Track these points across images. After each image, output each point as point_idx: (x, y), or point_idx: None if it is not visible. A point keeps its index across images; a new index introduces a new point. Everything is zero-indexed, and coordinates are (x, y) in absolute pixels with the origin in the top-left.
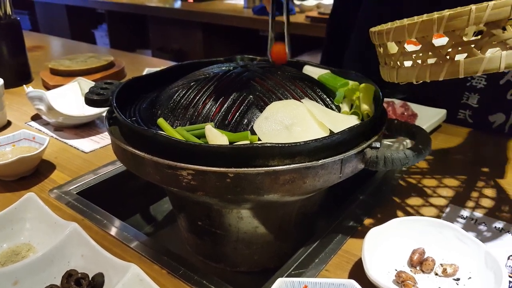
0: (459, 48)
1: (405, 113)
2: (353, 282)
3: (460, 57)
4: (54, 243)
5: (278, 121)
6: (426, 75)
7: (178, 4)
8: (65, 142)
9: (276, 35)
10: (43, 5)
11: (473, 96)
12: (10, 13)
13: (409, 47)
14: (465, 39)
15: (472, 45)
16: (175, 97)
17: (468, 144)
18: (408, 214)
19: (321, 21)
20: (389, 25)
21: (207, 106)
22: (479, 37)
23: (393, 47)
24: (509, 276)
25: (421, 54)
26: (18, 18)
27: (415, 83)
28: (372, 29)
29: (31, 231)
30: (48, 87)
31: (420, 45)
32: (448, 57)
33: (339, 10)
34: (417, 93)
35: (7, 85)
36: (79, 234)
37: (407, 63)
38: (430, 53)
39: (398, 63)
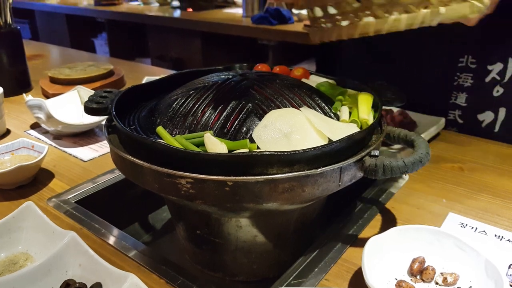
0: (368, 12)
1: (404, 121)
2: None
3: (370, 19)
4: (52, 252)
5: (277, 129)
6: (342, 33)
7: (177, 13)
8: (64, 151)
9: (275, 44)
10: (43, 14)
11: (461, 95)
12: (10, 22)
13: (331, 10)
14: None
15: (380, 9)
16: (174, 105)
17: (467, 151)
18: (407, 222)
19: None
20: None
21: (206, 114)
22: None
23: (318, 11)
24: (510, 285)
25: (339, 17)
26: (18, 27)
27: (334, 40)
28: None
29: (29, 240)
30: (47, 96)
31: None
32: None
33: None
34: (409, 99)
35: (6, 94)
36: (77, 243)
37: (329, 25)
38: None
39: (323, 25)
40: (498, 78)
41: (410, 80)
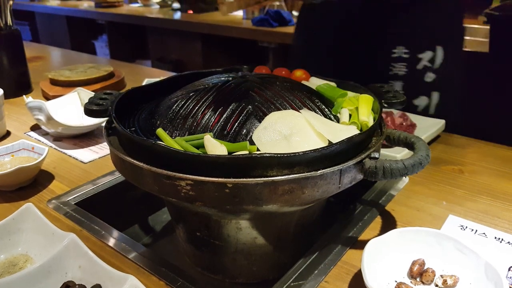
0: None
1: (404, 124)
2: None
3: None
4: (52, 254)
5: (277, 131)
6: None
7: (177, 15)
8: (64, 152)
9: (276, 46)
10: (43, 16)
11: (397, 83)
12: (11, 23)
13: None
14: None
15: None
16: (174, 107)
17: (467, 154)
18: (407, 224)
19: None
20: None
21: (206, 116)
22: None
23: None
24: None
25: None
26: (19, 29)
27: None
28: None
29: (29, 242)
30: (47, 98)
31: None
32: None
33: None
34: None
35: (7, 95)
36: (77, 245)
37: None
38: None
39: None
40: (429, 65)
41: (352, 73)
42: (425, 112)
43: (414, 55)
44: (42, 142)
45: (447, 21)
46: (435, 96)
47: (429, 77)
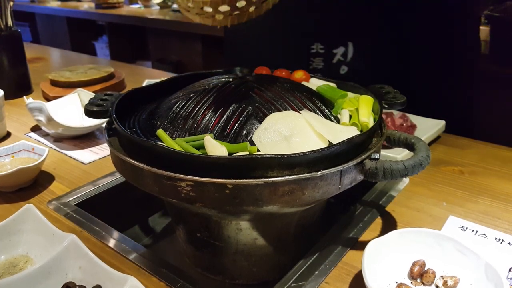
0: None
1: (404, 124)
2: None
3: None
4: (52, 255)
5: (277, 132)
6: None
7: (177, 16)
8: (64, 153)
9: None
10: (44, 17)
11: (317, 76)
12: (11, 24)
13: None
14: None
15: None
16: (174, 108)
17: (467, 154)
18: (408, 225)
19: None
20: None
21: (206, 117)
22: None
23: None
24: None
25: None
26: (19, 30)
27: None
28: None
29: (29, 242)
30: (48, 98)
31: None
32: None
33: None
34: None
35: (7, 96)
36: (77, 246)
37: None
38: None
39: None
40: (342, 59)
41: (282, 66)
42: None
43: (329, 51)
44: (43, 143)
45: (357, 19)
46: None
47: (343, 69)
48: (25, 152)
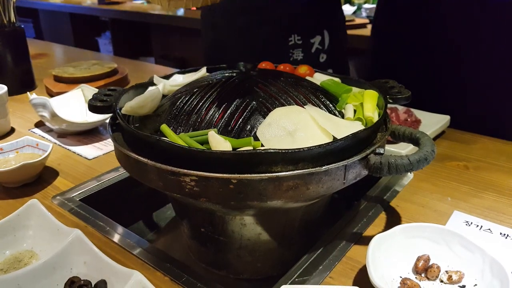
0: None
1: (409, 119)
2: None
3: None
4: (57, 250)
5: (281, 127)
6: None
7: (181, 12)
8: (68, 149)
9: None
10: (47, 13)
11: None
12: (15, 21)
13: None
14: None
15: None
16: (178, 103)
17: (472, 150)
18: (412, 220)
19: None
20: None
21: (210, 112)
22: None
23: None
24: None
25: None
26: (22, 26)
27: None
28: None
29: (34, 238)
30: (51, 94)
31: None
32: None
33: None
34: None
35: (11, 92)
36: (82, 241)
37: None
38: None
39: None
40: (320, 47)
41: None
42: None
43: (307, 40)
44: (47, 139)
45: (329, 9)
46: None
47: (322, 57)
48: (29, 147)
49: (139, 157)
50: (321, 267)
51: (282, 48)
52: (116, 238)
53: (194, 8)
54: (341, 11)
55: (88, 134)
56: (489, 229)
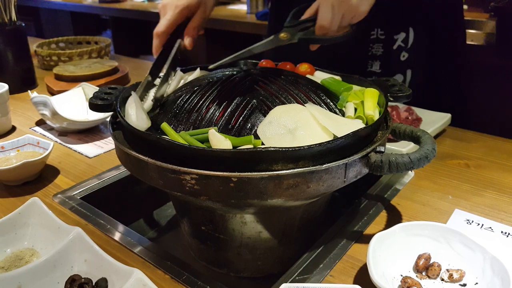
0: None
1: (410, 118)
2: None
3: None
4: (58, 248)
5: (281, 126)
6: None
7: None
8: (69, 147)
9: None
10: (47, 12)
11: (376, 63)
12: (15, 19)
13: None
14: None
15: None
16: (178, 101)
17: (473, 148)
18: (413, 219)
19: None
20: None
21: (211, 111)
22: None
23: None
24: None
25: None
26: (23, 24)
27: None
28: None
29: (35, 236)
30: (52, 93)
31: None
32: None
33: None
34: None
35: (12, 91)
36: (83, 239)
37: None
38: None
39: None
40: (403, 45)
41: (326, 55)
42: None
43: (390, 36)
44: (47, 137)
45: (416, 5)
46: (409, 73)
47: (404, 56)
48: (30, 146)
49: (140, 156)
50: (321, 266)
51: (362, 40)
52: (116, 236)
53: None
54: (431, 8)
55: (89, 132)
56: (490, 227)
